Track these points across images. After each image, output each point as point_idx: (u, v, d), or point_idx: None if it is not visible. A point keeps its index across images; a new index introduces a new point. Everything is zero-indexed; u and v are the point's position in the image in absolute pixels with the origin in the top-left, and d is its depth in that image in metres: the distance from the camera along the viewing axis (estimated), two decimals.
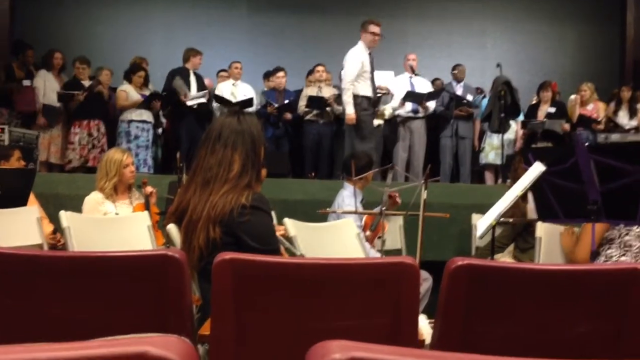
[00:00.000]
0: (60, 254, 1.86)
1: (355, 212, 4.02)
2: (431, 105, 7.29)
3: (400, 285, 1.60)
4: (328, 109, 7.33)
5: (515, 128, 7.61)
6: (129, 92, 7.02)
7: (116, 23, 9.82)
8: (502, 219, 2.90)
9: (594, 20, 10.37)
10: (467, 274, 1.58)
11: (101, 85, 7.11)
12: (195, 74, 7.40)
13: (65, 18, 9.71)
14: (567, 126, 7.24)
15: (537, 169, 2.70)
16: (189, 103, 7.12)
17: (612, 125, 7.40)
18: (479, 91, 8.32)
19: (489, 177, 7.75)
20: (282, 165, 6.88)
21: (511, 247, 4.14)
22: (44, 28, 9.28)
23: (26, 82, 7.14)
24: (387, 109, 7.21)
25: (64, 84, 7.23)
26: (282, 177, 6.27)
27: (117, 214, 3.95)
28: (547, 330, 1.66)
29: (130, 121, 6.97)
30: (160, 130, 7.65)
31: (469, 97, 7.84)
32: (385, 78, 7.32)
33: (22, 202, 3.81)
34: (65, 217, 3.35)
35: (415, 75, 7.28)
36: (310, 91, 7.50)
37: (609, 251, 3.09)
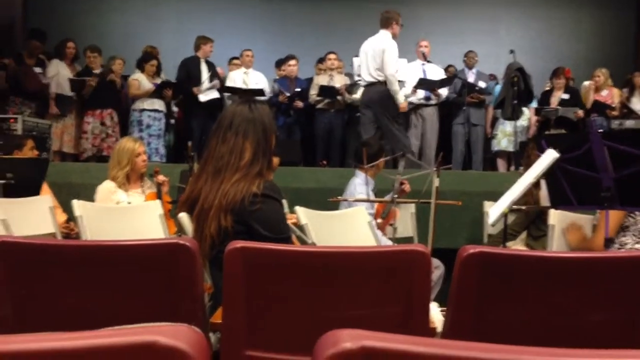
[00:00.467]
0: (72, 243, 1.88)
1: (367, 200, 4.02)
2: (443, 92, 7.24)
3: (412, 273, 1.60)
4: (339, 97, 7.30)
5: (528, 115, 7.55)
6: (141, 81, 7.04)
7: (127, 12, 9.83)
8: (514, 207, 2.88)
9: (608, 6, 10.24)
10: (479, 261, 1.57)
11: (113, 74, 7.13)
12: (207, 62, 7.40)
13: (78, 8, 9.73)
14: (581, 113, 7.17)
15: (550, 155, 2.68)
16: (202, 98, 7.13)
17: (626, 112, 7.32)
18: (492, 77, 8.26)
19: (501, 164, 7.71)
20: (294, 153, 6.87)
21: (524, 235, 4.12)
22: (56, 18, 9.31)
23: (37, 70, 7.16)
24: (400, 96, 7.16)
25: (76, 73, 7.26)
26: (293, 166, 6.27)
27: (129, 202, 3.97)
28: (560, 319, 1.65)
29: (142, 110, 6.99)
30: (172, 120, 7.67)
31: (482, 84, 7.78)
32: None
33: (35, 191, 3.84)
34: (77, 206, 3.37)
35: (428, 62, 7.23)
36: (322, 79, 7.47)
37: (623, 239, 3.07)
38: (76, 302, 1.62)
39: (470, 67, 7.95)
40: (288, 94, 7.35)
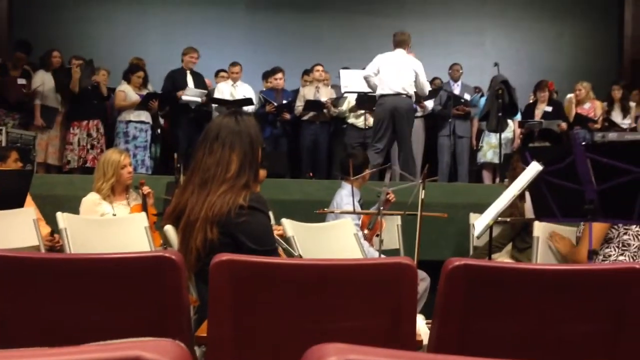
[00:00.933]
0: (56, 256, 1.86)
1: (353, 212, 4.02)
2: (429, 104, 7.29)
3: (398, 285, 1.60)
4: (325, 110, 7.33)
5: (513, 127, 7.61)
6: (128, 92, 7.02)
7: (114, 23, 9.81)
8: (499, 219, 2.90)
9: (592, 19, 10.38)
10: (464, 274, 1.58)
11: (98, 80, 7.11)
12: (194, 73, 7.40)
13: (63, 18, 9.70)
14: (564, 125, 7.25)
15: (534, 168, 2.70)
16: (184, 98, 7.11)
17: (607, 125, 7.41)
18: (477, 90, 8.33)
19: (486, 176, 7.75)
20: (280, 165, 6.88)
21: (509, 247, 4.14)
22: (42, 28, 9.26)
23: (21, 81, 7.11)
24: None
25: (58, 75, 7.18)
26: (280, 178, 6.27)
27: (114, 215, 3.94)
28: (545, 330, 1.66)
29: (128, 122, 6.97)
30: (158, 131, 7.64)
31: (467, 96, 7.85)
32: None
33: (19, 203, 3.80)
34: (62, 218, 3.34)
35: None
36: (308, 90, 7.50)
37: (607, 250, 3.10)
38: (60, 316, 1.60)
39: (455, 80, 8.02)
40: (275, 104, 7.36)
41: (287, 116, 7.42)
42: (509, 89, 6.67)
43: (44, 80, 7.09)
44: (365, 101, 6.94)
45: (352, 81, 7.00)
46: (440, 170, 7.52)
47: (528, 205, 3.75)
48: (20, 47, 7.49)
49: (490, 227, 2.81)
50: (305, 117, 7.38)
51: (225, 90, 7.47)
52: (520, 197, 3.20)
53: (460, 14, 10.26)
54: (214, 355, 1.63)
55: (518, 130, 7.57)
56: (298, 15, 10.17)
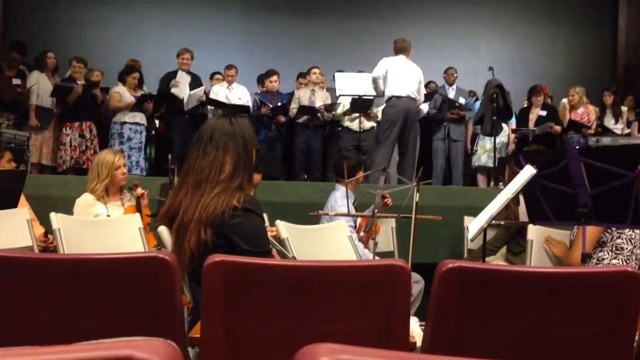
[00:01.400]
0: (50, 256, 1.85)
1: (347, 215, 4.02)
2: (424, 107, 7.30)
3: (392, 287, 1.60)
4: (319, 114, 7.35)
5: (507, 131, 7.63)
6: (123, 93, 7.01)
7: (110, 24, 9.80)
8: (493, 222, 2.91)
9: (586, 24, 10.43)
10: (458, 276, 1.58)
11: (98, 90, 7.11)
12: (191, 74, 7.39)
13: (59, 19, 9.68)
14: (557, 128, 7.28)
15: (528, 171, 2.71)
16: (174, 91, 7.12)
17: (600, 130, 7.45)
18: (471, 94, 8.35)
19: (481, 179, 7.77)
20: (275, 167, 6.88)
21: (504, 250, 4.15)
22: (37, 29, 9.24)
23: (16, 81, 7.10)
24: (380, 111, 7.23)
25: (61, 80, 7.19)
26: (274, 180, 6.27)
27: (108, 215, 3.94)
28: (538, 333, 1.67)
29: (123, 123, 6.96)
30: (153, 132, 7.63)
31: (462, 100, 7.87)
32: None
33: (13, 204, 3.78)
34: (55, 218, 3.33)
35: None
36: (303, 93, 7.50)
37: (600, 254, 3.11)
38: (53, 316, 1.60)
39: (450, 84, 8.04)
40: (270, 106, 7.36)
41: (282, 119, 7.43)
42: (504, 93, 6.70)
43: (38, 81, 7.08)
44: (360, 104, 6.96)
45: (347, 84, 7.01)
46: (434, 173, 7.53)
47: (522, 208, 3.76)
48: (15, 48, 7.47)
49: (484, 230, 2.81)
50: (300, 120, 7.39)
51: (220, 92, 7.46)
52: (515, 200, 3.21)
53: (455, 18, 10.29)
54: (207, 356, 1.63)
55: (512, 135, 7.60)
56: (293, 18, 10.19)
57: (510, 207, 3.75)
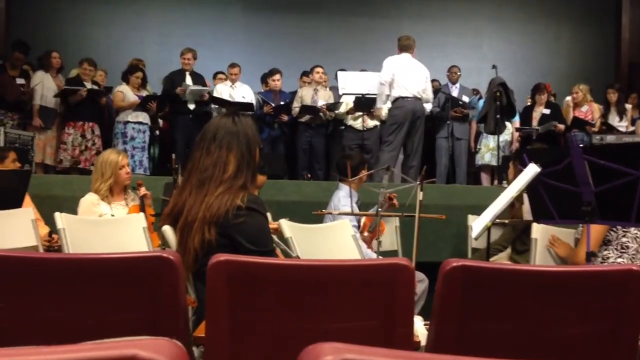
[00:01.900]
0: (54, 256, 1.86)
1: (351, 214, 4.02)
2: (427, 106, 7.28)
3: (396, 286, 1.60)
4: (321, 114, 7.35)
5: (511, 129, 7.62)
6: (126, 93, 7.02)
7: (112, 24, 9.81)
8: (497, 221, 2.90)
9: (589, 22, 10.40)
10: (462, 275, 1.58)
11: (104, 99, 7.14)
12: (194, 74, 7.40)
13: (62, 18, 9.70)
14: (561, 126, 7.26)
15: (532, 170, 2.70)
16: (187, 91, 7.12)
17: (604, 128, 7.42)
18: (475, 92, 8.34)
19: (484, 178, 7.76)
20: (278, 166, 6.88)
21: (508, 249, 4.14)
22: (40, 28, 9.26)
23: (19, 81, 7.11)
24: (384, 110, 7.23)
25: (66, 80, 7.19)
26: (277, 179, 6.27)
27: (112, 215, 3.94)
28: (543, 332, 1.66)
29: (126, 122, 6.97)
30: (157, 132, 7.65)
31: (465, 98, 7.85)
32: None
33: (18, 203, 3.80)
34: (60, 218, 3.34)
35: None
36: (306, 92, 7.50)
37: (605, 252, 3.10)
38: (57, 316, 1.60)
39: (453, 82, 8.03)
40: (273, 105, 7.37)
41: (285, 118, 7.43)
42: (507, 91, 6.68)
43: (42, 81, 7.09)
44: (363, 103, 6.95)
45: (349, 83, 7.00)
46: (438, 172, 7.52)
47: (526, 207, 3.75)
48: (18, 47, 7.47)
49: (488, 229, 2.81)
50: (302, 120, 7.40)
51: (224, 91, 7.46)
52: (519, 199, 3.20)
53: (457, 16, 10.27)
54: (211, 355, 1.63)
55: (516, 133, 7.58)
56: (295, 16, 10.18)
57: (514, 205, 3.74)
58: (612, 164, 2.51)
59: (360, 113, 7.13)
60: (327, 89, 7.72)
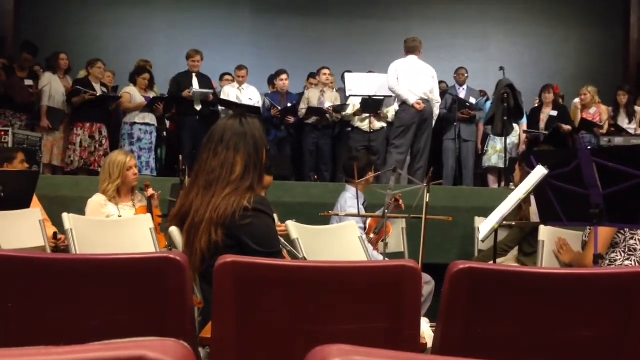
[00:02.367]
0: (62, 257, 1.86)
1: (358, 215, 4.02)
2: (436, 110, 7.27)
3: (402, 288, 1.60)
4: (327, 116, 7.35)
5: (518, 131, 7.60)
6: (133, 94, 7.04)
7: (119, 25, 9.85)
8: (504, 222, 2.89)
9: (597, 23, 10.36)
10: (469, 277, 1.58)
11: (114, 105, 7.17)
12: (201, 75, 7.41)
13: (70, 20, 9.75)
14: (568, 127, 7.23)
15: (539, 172, 2.70)
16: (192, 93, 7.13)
17: (613, 130, 7.39)
18: (482, 94, 8.32)
19: (492, 180, 7.74)
20: (285, 168, 6.89)
21: (515, 252, 4.13)
22: (48, 29, 9.31)
23: (28, 82, 7.14)
24: (390, 111, 7.23)
25: (74, 81, 7.21)
26: (284, 180, 6.28)
27: (120, 216, 3.96)
28: (549, 334, 1.66)
29: (133, 123, 6.99)
30: (164, 133, 7.67)
31: (472, 100, 7.84)
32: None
33: (26, 204, 3.82)
34: (68, 219, 3.35)
35: None
36: (313, 94, 7.51)
37: (612, 255, 3.08)
38: (64, 316, 1.61)
39: (460, 84, 8.02)
40: (279, 107, 7.38)
41: (292, 119, 7.44)
42: (515, 93, 6.67)
43: (50, 82, 7.11)
44: (370, 105, 6.95)
45: (356, 85, 7.00)
46: (445, 174, 7.51)
47: (533, 209, 3.74)
48: (26, 49, 7.51)
49: (495, 231, 2.80)
50: (309, 121, 7.40)
51: (231, 93, 7.48)
52: (526, 200, 3.19)
53: (465, 18, 10.26)
54: (218, 356, 1.63)
55: (523, 135, 7.56)
56: (303, 18, 10.19)
57: (522, 207, 3.73)
58: (621, 166, 2.50)
59: (367, 114, 7.13)
60: (334, 90, 7.72)
